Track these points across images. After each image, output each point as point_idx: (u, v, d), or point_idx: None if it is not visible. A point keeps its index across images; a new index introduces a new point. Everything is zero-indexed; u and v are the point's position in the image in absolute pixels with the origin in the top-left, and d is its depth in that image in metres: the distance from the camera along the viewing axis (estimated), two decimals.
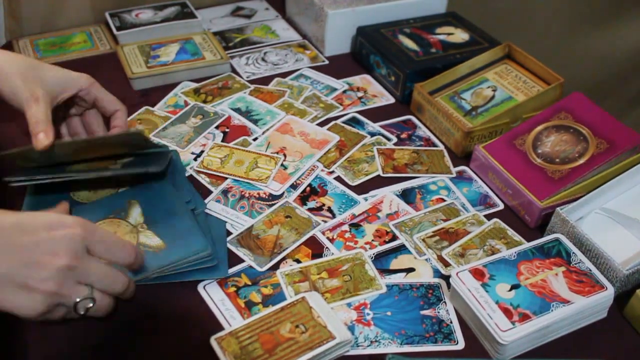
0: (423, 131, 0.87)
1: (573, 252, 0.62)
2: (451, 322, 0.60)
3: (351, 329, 0.59)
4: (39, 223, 0.49)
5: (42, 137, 0.61)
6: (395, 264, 0.66)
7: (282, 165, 0.78)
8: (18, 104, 0.63)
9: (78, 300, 0.50)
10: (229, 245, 0.67)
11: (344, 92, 0.94)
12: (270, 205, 0.72)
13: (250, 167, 0.77)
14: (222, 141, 0.82)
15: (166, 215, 0.64)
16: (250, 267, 0.65)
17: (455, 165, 0.80)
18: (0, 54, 0.65)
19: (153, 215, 0.64)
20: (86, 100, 0.70)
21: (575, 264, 0.61)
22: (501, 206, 0.75)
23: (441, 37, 0.98)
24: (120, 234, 0.62)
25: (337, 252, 0.67)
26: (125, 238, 0.60)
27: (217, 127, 0.84)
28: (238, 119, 0.86)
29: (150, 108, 0.89)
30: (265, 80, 0.96)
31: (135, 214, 0.64)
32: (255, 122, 0.85)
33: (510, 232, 0.69)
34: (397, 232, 0.69)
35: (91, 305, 0.51)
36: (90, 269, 0.50)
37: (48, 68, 0.66)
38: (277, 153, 0.80)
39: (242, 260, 0.65)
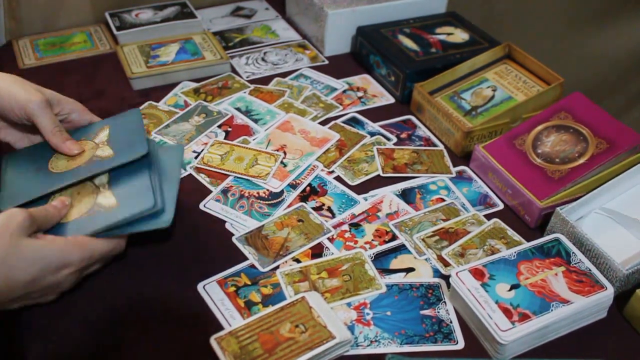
0: (423, 131, 0.87)
1: (573, 252, 0.62)
2: (451, 322, 0.60)
3: (351, 328, 0.59)
4: (47, 268, 0.55)
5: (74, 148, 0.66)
6: (395, 263, 0.66)
7: (281, 162, 0.78)
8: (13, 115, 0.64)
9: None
10: (236, 242, 0.67)
11: (344, 92, 0.94)
12: (270, 205, 0.72)
13: (250, 164, 0.77)
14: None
15: (128, 172, 0.64)
16: (251, 266, 0.65)
17: (455, 165, 0.80)
18: None
19: (117, 173, 0.64)
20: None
21: (575, 263, 0.61)
22: (501, 206, 0.75)
23: (441, 37, 0.98)
24: (83, 195, 0.62)
25: (337, 251, 0.67)
26: (85, 200, 0.62)
27: (219, 126, 0.84)
28: (241, 119, 0.86)
29: (154, 103, 0.89)
30: (265, 80, 0.96)
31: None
32: (255, 122, 0.85)
33: (510, 232, 0.69)
34: (397, 232, 0.69)
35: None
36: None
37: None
38: (277, 150, 0.80)
39: (245, 259, 0.65)
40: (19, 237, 0.53)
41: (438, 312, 0.61)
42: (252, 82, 0.95)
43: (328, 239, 0.68)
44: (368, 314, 0.60)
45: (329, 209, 0.72)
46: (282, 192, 0.74)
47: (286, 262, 0.65)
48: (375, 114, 0.89)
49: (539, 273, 0.60)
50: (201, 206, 0.72)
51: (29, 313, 0.59)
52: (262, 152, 0.79)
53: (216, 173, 0.76)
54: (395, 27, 1.00)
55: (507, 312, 0.56)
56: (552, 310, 0.56)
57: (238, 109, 0.88)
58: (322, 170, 0.78)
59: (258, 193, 0.74)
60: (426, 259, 0.66)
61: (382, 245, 0.68)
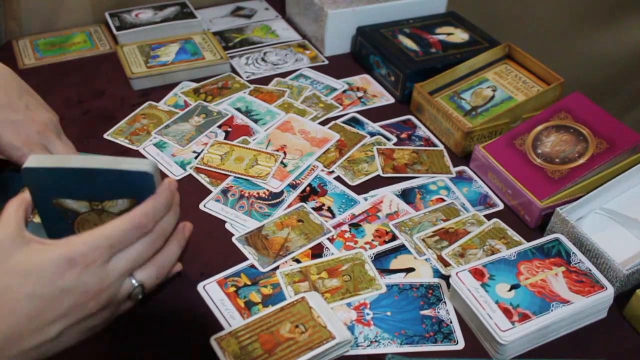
0: (423, 131, 0.87)
1: (573, 252, 0.62)
2: (451, 322, 0.60)
3: (351, 329, 0.59)
4: (48, 274, 0.43)
5: None
6: (395, 264, 0.66)
7: (281, 162, 0.78)
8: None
9: (128, 295, 0.48)
10: (236, 242, 0.67)
11: (344, 92, 0.94)
12: (270, 205, 0.72)
13: (250, 164, 0.77)
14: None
15: None
16: (251, 266, 0.65)
17: (455, 165, 0.80)
18: None
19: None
20: None
21: (575, 264, 0.61)
22: (501, 206, 0.74)
23: (441, 37, 0.98)
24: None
25: (337, 252, 0.67)
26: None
27: (219, 127, 0.84)
28: (241, 119, 0.86)
29: (154, 103, 0.89)
30: (265, 80, 0.96)
31: None
32: (255, 122, 0.85)
33: (510, 232, 0.69)
34: (397, 232, 0.69)
35: (140, 290, 0.48)
36: (120, 269, 0.46)
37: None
38: (277, 151, 0.80)
39: (245, 259, 0.65)
40: (10, 252, 0.43)
41: (438, 312, 0.61)
42: (252, 82, 0.95)
43: (328, 239, 0.68)
44: (368, 314, 0.60)
45: (329, 209, 0.72)
46: (282, 192, 0.74)
47: (286, 262, 0.65)
48: (375, 114, 0.89)
49: (539, 273, 0.60)
50: (201, 206, 0.72)
51: None
52: (262, 152, 0.79)
53: (216, 173, 0.76)
54: (395, 27, 1.00)
55: (507, 312, 0.56)
56: (552, 310, 0.56)
57: (238, 109, 0.88)
58: (322, 170, 0.78)
59: (258, 193, 0.74)
60: (426, 259, 0.66)
61: (382, 245, 0.68)
